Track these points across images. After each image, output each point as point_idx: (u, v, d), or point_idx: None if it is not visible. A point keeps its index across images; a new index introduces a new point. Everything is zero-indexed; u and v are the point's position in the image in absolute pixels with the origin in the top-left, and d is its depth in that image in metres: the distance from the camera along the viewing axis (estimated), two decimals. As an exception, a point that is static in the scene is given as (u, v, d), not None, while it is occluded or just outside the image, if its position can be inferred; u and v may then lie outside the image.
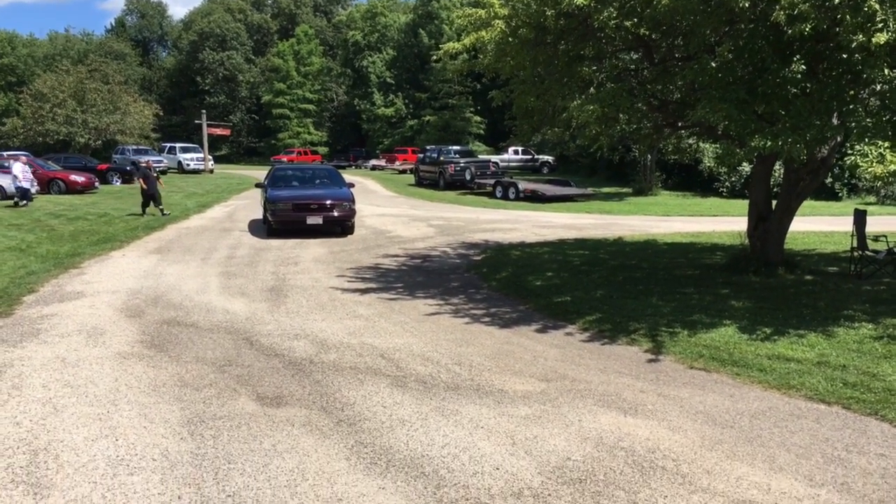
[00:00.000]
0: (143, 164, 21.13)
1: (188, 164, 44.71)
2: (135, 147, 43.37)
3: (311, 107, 66.59)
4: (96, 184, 28.46)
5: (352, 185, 17.51)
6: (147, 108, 46.54)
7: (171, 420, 5.07)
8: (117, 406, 5.33)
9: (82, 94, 41.96)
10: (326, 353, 6.81)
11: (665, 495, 4.00)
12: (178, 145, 47.68)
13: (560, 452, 4.57)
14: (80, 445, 4.60)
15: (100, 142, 43.38)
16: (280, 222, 15.67)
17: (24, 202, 21.30)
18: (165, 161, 42.36)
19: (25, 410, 5.22)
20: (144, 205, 19.62)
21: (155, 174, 20.04)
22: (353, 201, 16.23)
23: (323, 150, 65.06)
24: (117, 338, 7.30)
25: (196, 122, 50.94)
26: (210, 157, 47.91)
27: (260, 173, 45.98)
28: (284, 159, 55.24)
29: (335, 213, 15.73)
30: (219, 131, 53.36)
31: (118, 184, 32.83)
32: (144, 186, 19.43)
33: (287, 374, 6.17)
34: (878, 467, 4.36)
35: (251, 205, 22.37)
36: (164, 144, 49.18)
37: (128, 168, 35.09)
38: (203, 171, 44.74)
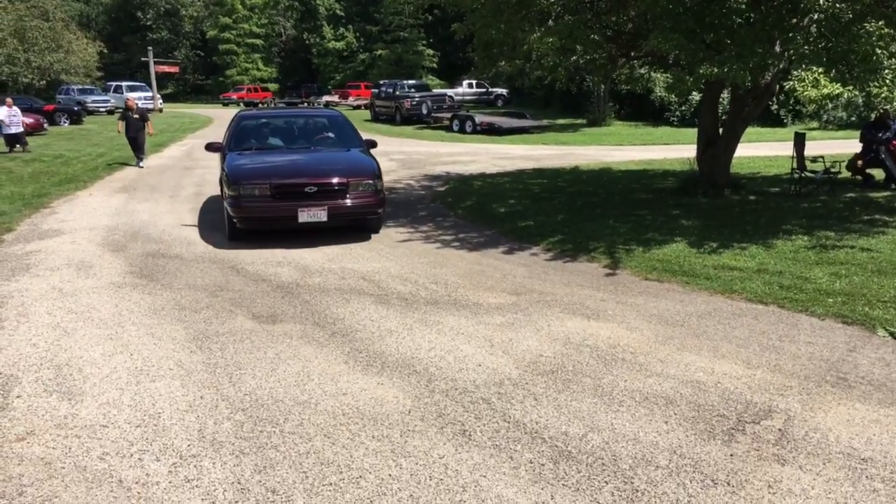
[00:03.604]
0: (126, 106, 17.82)
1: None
2: (80, 87, 42.11)
3: (258, 41, 64.80)
4: (45, 125, 27.81)
5: (372, 145, 10.64)
6: (91, 46, 45.01)
7: (178, 337, 5.52)
8: (124, 328, 5.75)
9: (23, 32, 40.30)
10: (311, 277, 7.28)
11: (625, 379, 4.64)
12: (124, 84, 46.20)
13: (533, 351, 5.18)
14: (99, 360, 5.04)
15: (43, 82, 41.99)
16: (250, 219, 8.78)
17: (20, 147, 19.56)
18: (113, 101, 41.26)
19: (38, 333, 5.61)
20: (134, 150, 17.34)
21: (136, 116, 17.04)
22: (379, 177, 9.17)
23: (273, 86, 63.73)
24: (106, 270, 7.64)
25: (142, 59, 49.51)
26: (158, 95, 46.80)
27: (209, 111, 45.36)
28: (234, 97, 54.15)
29: (348, 202, 8.75)
30: (167, 68, 52.03)
31: (66, 125, 32.05)
32: (120, 130, 17.27)
33: (277, 296, 6.63)
34: (805, 352, 5.07)
35: (209, 143, 22.10)
36: (108, 83, 47.48)
37: (75, 108, 34.25)
38: (152, 110, 43.73)
